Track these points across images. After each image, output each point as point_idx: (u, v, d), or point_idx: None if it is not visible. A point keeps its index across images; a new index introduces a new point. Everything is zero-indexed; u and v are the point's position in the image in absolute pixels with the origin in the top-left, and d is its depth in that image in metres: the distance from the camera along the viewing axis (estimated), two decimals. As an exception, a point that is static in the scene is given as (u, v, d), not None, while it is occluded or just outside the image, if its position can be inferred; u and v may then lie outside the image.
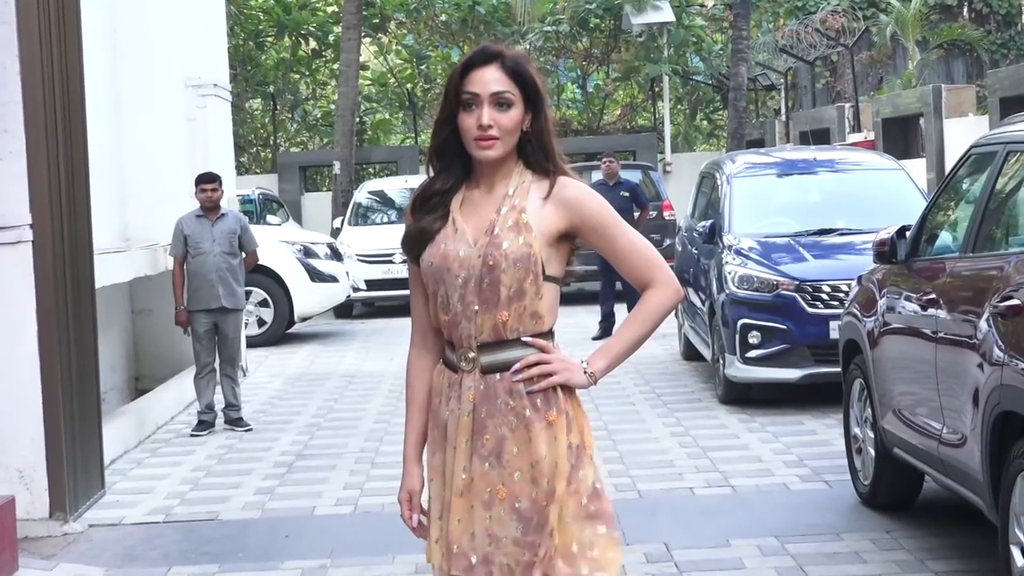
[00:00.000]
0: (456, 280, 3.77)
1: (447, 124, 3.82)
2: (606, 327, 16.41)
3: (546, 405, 3.76)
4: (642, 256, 3.85)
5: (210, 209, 11.40)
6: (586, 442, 3.83)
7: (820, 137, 27.28)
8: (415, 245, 3.87)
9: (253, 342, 16.40)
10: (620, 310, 15.88)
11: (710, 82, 36.23)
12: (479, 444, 3.77)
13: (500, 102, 3.76)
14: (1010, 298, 5.83)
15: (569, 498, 3.75)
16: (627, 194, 16.91)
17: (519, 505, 3.74)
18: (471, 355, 3.80)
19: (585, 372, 3.82)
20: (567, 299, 3.70)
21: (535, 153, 3.83)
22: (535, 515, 3.72)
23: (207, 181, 11.41)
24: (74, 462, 8.36)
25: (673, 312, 4.13)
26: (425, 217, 3.86)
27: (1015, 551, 5.83)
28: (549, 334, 3.83)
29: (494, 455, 3.76)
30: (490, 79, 3.76)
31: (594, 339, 16.08)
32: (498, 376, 3.78)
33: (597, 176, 20.04)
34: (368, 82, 35.92)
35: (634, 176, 20.42)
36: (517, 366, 3.76)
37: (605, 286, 16.57)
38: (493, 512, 3.75)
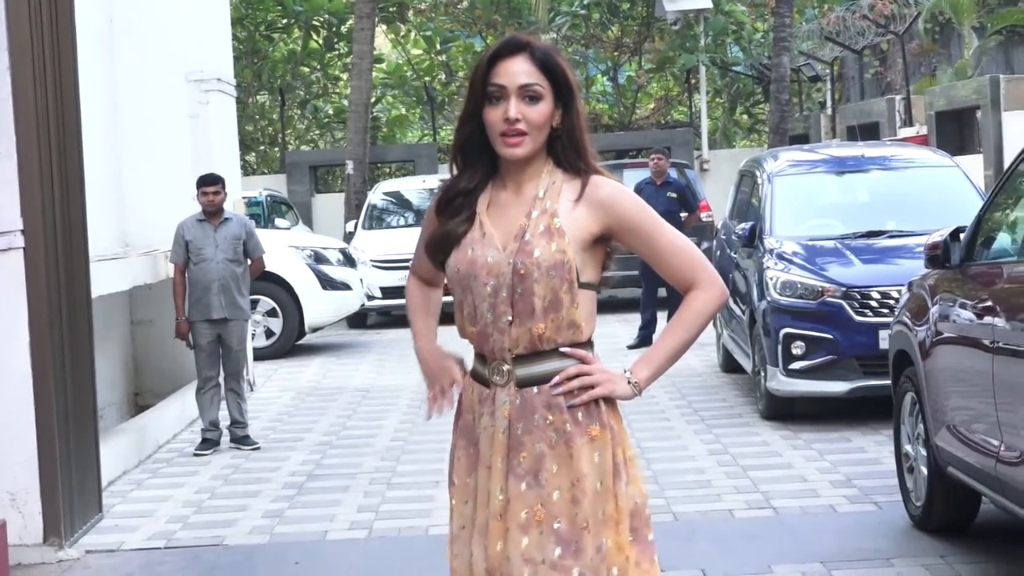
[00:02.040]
0: (485, 289, 3.78)
1: (472, 118, 3.83)
2: (645, 335, 16.37)
3: (588, 419, 3.78)
4: (684, 256, 3.88)
5: (212, 213, 11.40)
6: (628, 456, 3.84)
7: (869, 132, 27.25)
8: (440, 250, 3.89)
9: (261, 354, 16.44)
10: (661, 319, 15.84)
11: (750, 73, 36.21)
12: (515, 463, 3.78)
13: (529, 95, 3.77)
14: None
15: (620, 517, 3.77)
16: (674, 195, 16.77)
17: (558, 526, 3.75)
18: (505, 368, 3.81)
19: (629, 383, 3.84)
20: (598, 307, 3.71)
21: (566, 151, 3.84)
22: (574, 539, 3.74)
23: (209, 183, 11.40)
24: (70, 484, 8.38)
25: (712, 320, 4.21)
26: (450, 220, 3.88)
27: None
28: (588, 343, 3.85)
29: (531, 474, 3.77)
30: (518, 70, 3.78)
31: (630, 347, 16.07)
32: (535, 390, 3.79)
33: (629, 174, 20.03)
34: (383, 75, 35.96)
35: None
36: (557, 379, 3.78)
37: (647, 292, 16.49)
38: (530, 535, 3.75)
